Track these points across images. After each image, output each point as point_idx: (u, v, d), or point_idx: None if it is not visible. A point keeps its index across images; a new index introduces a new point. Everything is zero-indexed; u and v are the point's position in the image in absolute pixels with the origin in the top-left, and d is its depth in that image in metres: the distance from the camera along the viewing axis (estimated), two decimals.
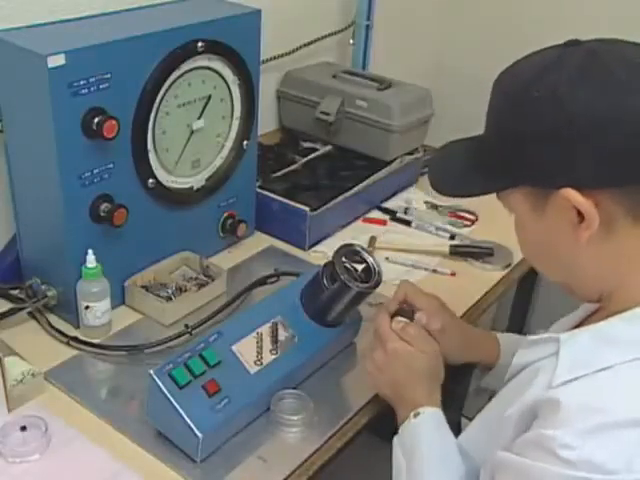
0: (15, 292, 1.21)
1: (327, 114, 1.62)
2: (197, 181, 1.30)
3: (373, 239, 1.47)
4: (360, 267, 1.08)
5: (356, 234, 1.49)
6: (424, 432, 0.93)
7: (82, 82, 1.03)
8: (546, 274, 0.89)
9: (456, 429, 0.96)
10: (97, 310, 1.13)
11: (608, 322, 0.77)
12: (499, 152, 0.80)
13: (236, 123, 1.33)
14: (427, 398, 0.97)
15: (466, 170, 0.86)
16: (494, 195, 0.84)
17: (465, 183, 0.86)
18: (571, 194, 0.74)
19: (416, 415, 0.94)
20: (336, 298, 1.06)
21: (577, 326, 0.88)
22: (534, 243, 0.85)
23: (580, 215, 0.75)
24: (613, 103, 0.72)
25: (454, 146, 0.92)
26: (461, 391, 1.56)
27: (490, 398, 0.96)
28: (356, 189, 1.51)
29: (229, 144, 1.34)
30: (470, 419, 0.97)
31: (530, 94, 0.75)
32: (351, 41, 1.95)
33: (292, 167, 1.58)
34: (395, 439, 0.96)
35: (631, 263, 0.78)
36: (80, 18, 1.16)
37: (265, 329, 1.04)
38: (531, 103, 0.75)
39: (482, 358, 1.13)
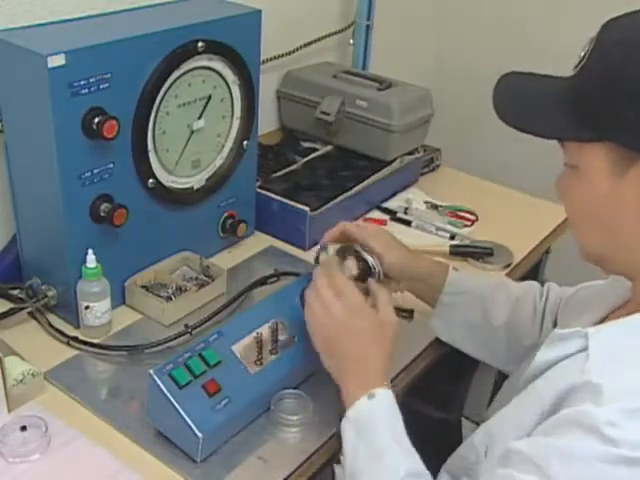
0: (15, 292, 1.21)
1: (327, 114, 1.62)
2: (197, 181, 1.30)
3: None
4: (360, 267, 1.08)
5: None
6: (382, 417, 0.88)
7: (82, 82, 1.03)
8: (583, 239, 0.84)
9: (457, 429, 0.96)
10: (97, 310, 1.13)
11: (637, 316, 0.76)
12: (598, 100, 0.75)
13: (236, 123, 1.33)
14: (381, 375, 0.92)
15: (547, 109, 0.80)
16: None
17: (544, 122, 0.80)
18: None
19: (371, 396, 0.89)
20: None
21: (601, 322, 0.86)
22: (592, 205, 0.79)
23: None
24: None
25: (528, 80, 0.86)
26: (461, 391, 1.56)
27: (491, 398, 0.95)
28: (356, 189, 1.51)
29: (229, 144, 1.34)
30: (470, 419, 0.96)
31: None
32: (351, 41, 1.95)
33: (292, 167, 1.58)
34: (345, 422, 0.89)
35: None
36: (80, 18, 1.16)
37: (265, 329, 1.04)
38: None
39: (426, 277, 1.14)
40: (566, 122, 0.78)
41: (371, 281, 1.02)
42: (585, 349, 0.77)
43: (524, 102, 0.83)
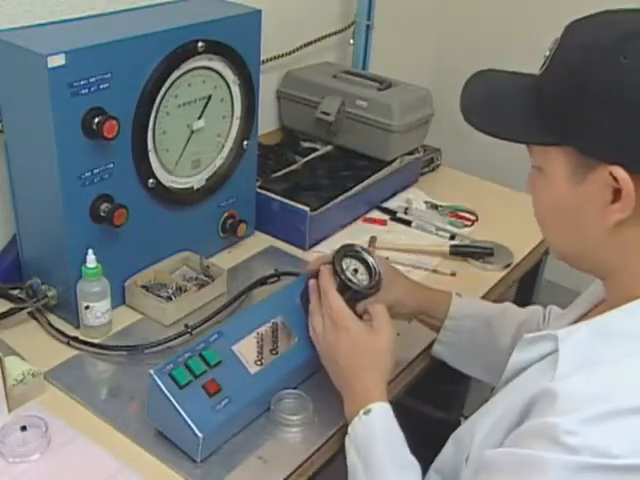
0: (15, 292, 1.21)
1: (327, 114, 1.62)
2: (197, 181, 1.30)
3: (373, 239, 1.47)
4: (360, 267, 1.08)
5: (356, 234, 1.49)
6: (377, 432, 0.90)
7: (82, 82, 1.03)
8: (552, 241, 0.86)
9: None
10: (97, 310, 1.13)
11: (607, 316, 0.76)
12: (559, 104, 0.74)
13: (236, 123, 1.33)
14: (376, 390, 0.94)
15: (511, 111, 0.80)
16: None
17: (508, 125, 0.80)
18: (621, 174, 0.71)
19: (367, 412, 0.91)
20: None
21: (579, 320, 0.87)
22: (556, 207, 0.80)
23: (615, 196, 0.73)
24: None
25: (499, 79, 0.85)
26: (461, 391, 1.56)
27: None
28: (356, 189, 1.51)
29: (229, 144, 1.34)
30: None
31: (616, 58, 0.70)
32: (351, 41, 1.95)
33: (292, 167, 1.58)
34: (347, 440, 0.92)
35: None
36: (80, 18, 1.16)
37: (265, 329, 1.04)
38: (614, 68, 0.70)
39: (431, 309, 1.14)
40: (530, 126, 0.77)
41: (369, 301, 1.03)
42: (555, 351, 0.77)
43: (490, 104, 0.83)
